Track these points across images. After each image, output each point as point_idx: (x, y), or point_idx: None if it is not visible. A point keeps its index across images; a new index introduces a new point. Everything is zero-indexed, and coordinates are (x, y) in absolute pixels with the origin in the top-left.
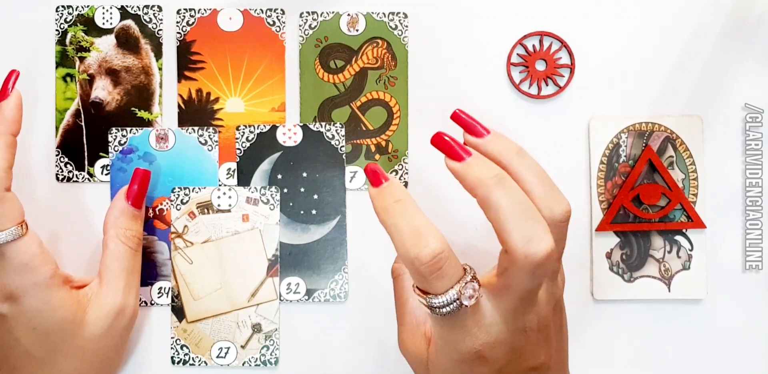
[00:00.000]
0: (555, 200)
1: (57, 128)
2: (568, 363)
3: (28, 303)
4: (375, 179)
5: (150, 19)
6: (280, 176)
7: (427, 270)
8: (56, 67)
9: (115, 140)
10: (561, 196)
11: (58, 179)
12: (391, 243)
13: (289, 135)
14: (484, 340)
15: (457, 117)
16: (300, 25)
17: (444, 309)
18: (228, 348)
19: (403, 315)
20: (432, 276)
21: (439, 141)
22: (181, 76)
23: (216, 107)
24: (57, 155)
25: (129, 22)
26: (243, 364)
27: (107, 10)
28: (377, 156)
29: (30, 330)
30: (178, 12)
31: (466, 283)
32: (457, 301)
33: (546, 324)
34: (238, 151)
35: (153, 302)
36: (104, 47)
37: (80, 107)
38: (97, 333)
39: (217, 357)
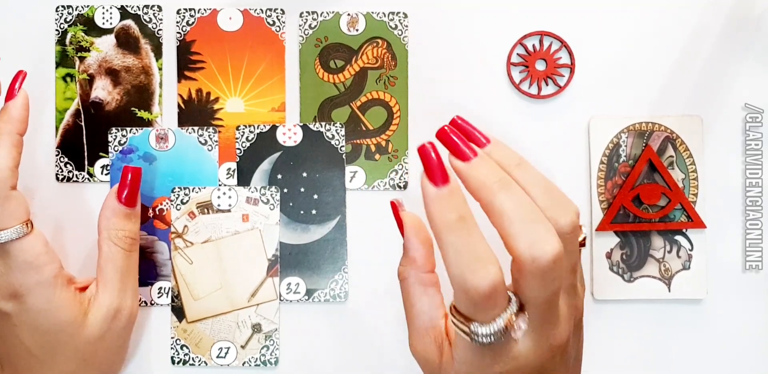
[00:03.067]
0: (559, 211)
1: (57, 128)
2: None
3: (32, 302)
4: (435, 176)
5: (150, 19)
6: (280, 176)
7: (481, 301)
8: (56, 67)
9: (115, 140)
10: (567, 207)
11: (58, 179)
12: (442, 260)
13: (289, 135)
14: (511, 366)
15: (452, 128)
16: (300, 25)
17: (487, 339)
18: (228, 348)
19: (411, 319)
20: (485, 306)
21: (445, 137)
22: (181, 76)
23: (216, 106)
24: (57, 155)
25: (129, 22)
26: (243, 364)
27: (107, 10)
28: (377, 156)
29: (32, 329)
30: (178, 12)
31: (514, 313)
32: (505, 332)
33: (570, 341)
34: (238, 151)
35: (153, 302)
36: (104, 47)
37: (80, 107)
38: (95, 336)
39: (217, 357)
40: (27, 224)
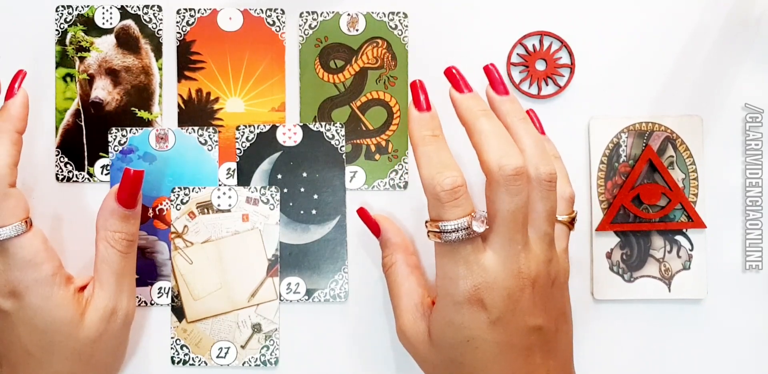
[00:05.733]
0: (543, 161)
1: (57, 128)
2: (572, 350)
3: (30, 300)
4: (420, 104)
5: (150, 19)
6: (280, 176)
7: (446, 197)
8: (56, 67)
9: (115, 140)
10: (550, 162)
11: (58, 179)
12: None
13: (289, 135)
14: (482, 278)
15: (488, 70)
16: (300, 25)
17: (453, 235)
18: (228, 348)
19: (399, 300)
20: (449, 204)
21: (450, 73)
22: (181, 76)
23: (216, 106)
24: (57, 155)
25: (129, 22)
26: (243, 364)
27: (107, 10)
28: (377, 156)
29: (30, 327)
30: (178, 12)
31: (477, 213)
32: (468, 228)
33: (543, 284)
34: (238, 151)
35: (153, 302)
36: (104, 47)
37: (80, 107)
38: (91, 336)
39: (217, 357)
40: (26, 221)
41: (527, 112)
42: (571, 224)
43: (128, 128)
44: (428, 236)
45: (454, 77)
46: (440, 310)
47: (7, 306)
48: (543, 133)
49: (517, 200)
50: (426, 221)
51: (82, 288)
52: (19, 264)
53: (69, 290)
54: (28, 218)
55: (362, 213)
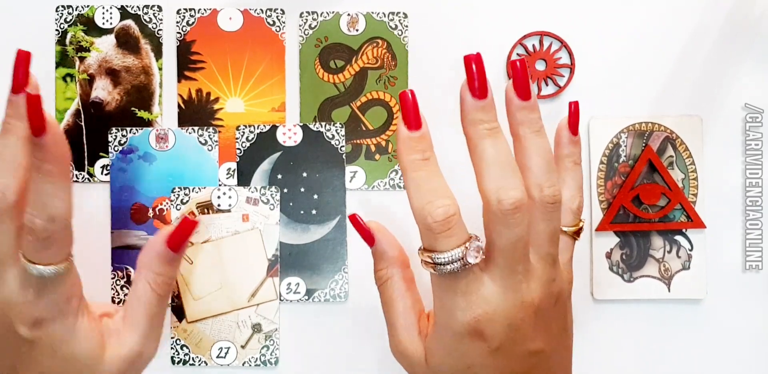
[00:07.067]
0: (548, 181)
1: None
2: (571, 363)
3: (55, 330)
4: (411, 121)
5: (150, 19)
6: (280, 176)
7: (438, 228)
8: (56, 67)
9: (115, 139)
10: (556, 182)
11: None
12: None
13: (289, 135)
14: (482, 310)
15: (514, 66)
16: (300, 25)
17: (448, 267)
18: (228, 348)
19: (396, 318)
20: (441, 234)
21: (468, 65)
22: (181, 76)
23: (216, 106)
24: None
25: (129, 22)
26: (243, 364)
27: (107, 10)
28: (377, 156)
29: (52, 357)
30: (178, 12)
31: (471, 243)
32: (462, 260)
33: (546, 307)
34: (238, 151)
35: None
36: (104, 47)
37: (80, 107)
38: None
39: (217, 357)
40: (69, 257)
41: (570, 105)
42: (576, 234)
43: (128, 128)
44: (422, 265)
45: (471, 73)
46: (439, 340)
47: (32, 336)
48: (576, 133)
49: (517, 231)
50: (419, 249)
51: (101, 316)
52: (52, 297)
53: (91, 319)
54: (71, 253)
55: (354, 220)
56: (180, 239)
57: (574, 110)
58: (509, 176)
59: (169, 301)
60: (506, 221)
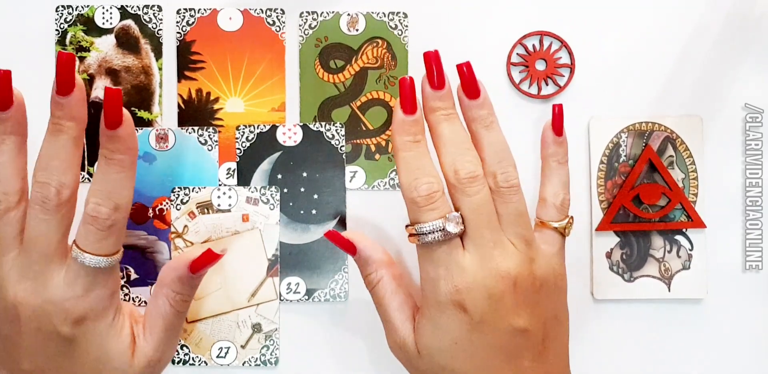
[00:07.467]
0: (501, 169)
1: None
2: (568, 357)
3: (94, 328)
4: (407, 106)
5: (150, 19)
6: (280, 176)
7: (422, 202)
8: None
9: None
10: (508, 169)
11: None
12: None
13: (289, 135)
14: (461, 278)
15: (460, 69)
16: (300, 25)
17: (429, 236)
18: (228, 348)
19: (391, 314)
20: (425, 207)
21: (427, 62)
22: (181, 76)
23: (216, 106)
24: None
25: (129, 22)
26: (243, 364)
27: (107, 10)
28: (377, 156)
29: (86, 355)
30: (178, 12)
31: (452, 214)
32: (443, 230)
33: (525, 285)
34: (238, 151)
35: None
36: (104, 47)
37: None
38: None
39: (217, 357)
40: (122, 249)
41: (554, 107)
42: (564, 230)
43: None
44: (409, 239)
45: (430, 68)
46: (425, 314)
47: (72, 334)
48: (560, 134)
49: (476, 199)
50: (406, 226)
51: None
52: (100, 291)
53: (126, 319)
54: (122, 247)
55: (332, 236)
56: (202, 267)
57: (558, 112)
58: (464, 152)
59: (185, 316)
60: (464, 190)
